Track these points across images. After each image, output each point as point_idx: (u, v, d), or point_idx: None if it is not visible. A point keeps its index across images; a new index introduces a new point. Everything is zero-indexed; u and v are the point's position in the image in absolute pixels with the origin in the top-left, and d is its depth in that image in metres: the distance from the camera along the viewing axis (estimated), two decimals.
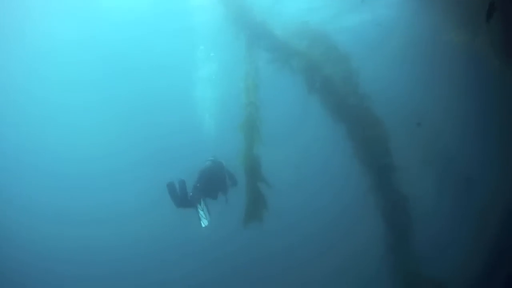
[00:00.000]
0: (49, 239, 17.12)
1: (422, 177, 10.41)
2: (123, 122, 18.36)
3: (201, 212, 8.30)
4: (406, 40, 10.17)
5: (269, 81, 9.19)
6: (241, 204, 8.55)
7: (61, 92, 18.06)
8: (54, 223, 17.39)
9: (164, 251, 16.35)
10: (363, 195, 9.30)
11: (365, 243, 11.93)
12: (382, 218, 9.25)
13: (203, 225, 8.28)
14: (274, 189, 8.51)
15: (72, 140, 18.59)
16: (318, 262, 14.65)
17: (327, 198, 15.11)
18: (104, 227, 17.08)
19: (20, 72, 17.35)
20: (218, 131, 12.15)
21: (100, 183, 18.04)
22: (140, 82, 17.60)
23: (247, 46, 9.12)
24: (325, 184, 15.23)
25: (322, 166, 15.29)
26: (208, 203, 8.66)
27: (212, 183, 8.84)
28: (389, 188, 9.17)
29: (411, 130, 10.03)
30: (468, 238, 9.92)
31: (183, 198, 8.27)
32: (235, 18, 9.32)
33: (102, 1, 14.37)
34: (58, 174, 18.42)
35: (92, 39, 16.24)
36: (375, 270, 10.24)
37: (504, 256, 8.59)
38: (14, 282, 15.58)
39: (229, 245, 15.55)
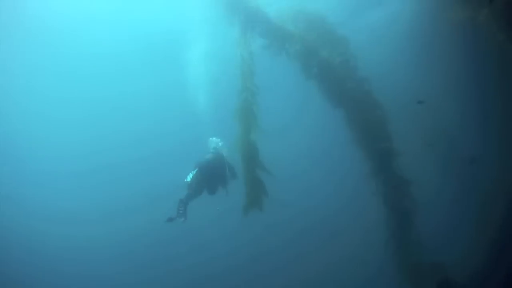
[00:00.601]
0: (48, 238, 16.99)
1: (423, 160, 10.23)
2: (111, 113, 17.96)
3: (181, 210, 8.37)
4: (405, 19, 9.92)
5: (265, 67, 8.97)
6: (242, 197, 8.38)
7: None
8: (53, 222, 17.24)
9: (164, 247, 16.20)
10: (364, 182, 9.12)
11: (368, 231, 11.78)
12: (383, 204, 9.10)
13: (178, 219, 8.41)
14: (274, 179, 8.33)
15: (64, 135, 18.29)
16: (320, 254, 14.54)
17: (328, 187, 14.95)
18: (101, 225, 16.93)
19: (15, 68, 17.06)
20: (213, 118, 11.83)
21: (96, 181, 17.82)
22: (127, 66, 17.11)
23: (241, 31, 8.88)
24: (325, 172, 15.06)
25: (321, 154, 15.09)
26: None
27: (212, 177, 8.72)
28: (390, 173, 9.01)
29: (411, 113, 9.85)
30: (471, 222, 9.77)
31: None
32: (228, 2, 9.07)
33: None
34: (56, 173, 18.20)
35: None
36: (378, 259, 10.11)
37: (509, 241, 8.45)
38: (14, 282, 15.47)
39: (231, 238, 15.43)
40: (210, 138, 9.81)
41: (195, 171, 8.67)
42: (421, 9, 9.39)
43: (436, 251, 8.79)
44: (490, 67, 8.32)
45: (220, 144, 9.52)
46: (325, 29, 9.57)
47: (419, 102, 8.62)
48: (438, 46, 9.43)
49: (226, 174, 8.97)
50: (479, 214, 9.54)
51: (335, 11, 9.55)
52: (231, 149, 8.84)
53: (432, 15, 8.98)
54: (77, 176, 17.99)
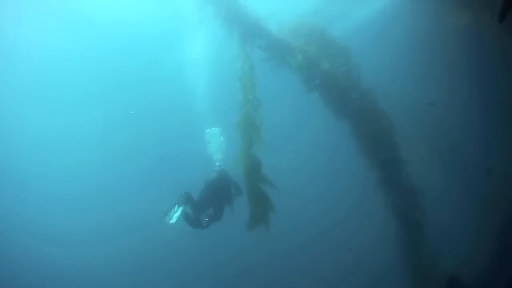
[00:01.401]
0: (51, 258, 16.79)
1: (430, 169, 10.05)
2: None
3: (176, 212, 8.13)
4: (406, 27, 9.82)
5: (267, 79, 8.86)
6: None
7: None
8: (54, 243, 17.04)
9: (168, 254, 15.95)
10: (371, 192, 8.94)
11: (375, 241, 11.57)
12: (392, 213, 8.91)
13: (168, 220, 8.14)
14: (279, 191, 8.11)
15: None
16: (327, 263, 14.28)
17: (334, 197, 14.75)
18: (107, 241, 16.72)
19: (13, 76, 17.01)
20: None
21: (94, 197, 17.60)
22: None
23: (241, 43, 8.79)
24: (331, 183, 14.87)
25: (326, 164, 14.91)
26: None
27: (217, 196, 8.56)
28: (397, 182, 8.83)
29: (416, 121, 9.71)
30: (476, 230, 9.56)
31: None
32: (227, 16, 9.02)
33: None
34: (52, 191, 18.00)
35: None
36: (386, 267, 9.88)
37: None
38: None
39: (235, 248, 15.18)
40: (207, 130, 9.63)
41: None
42: (422, 14, 9.26)
43: (443, 258, 8.55)
44: (496, 73, 8.18)
45: (221, 138, 9.35)
46: (326, 40, 9.50)
47: (430, 104, 8.48)
48: (441, 53, 9.31)
49: (231, 192, 8.81)
50: (485, 221, 9.32)
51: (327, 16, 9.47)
52: (233, 163, 8.66)
53: (434, 20, 8.85)
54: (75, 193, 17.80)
